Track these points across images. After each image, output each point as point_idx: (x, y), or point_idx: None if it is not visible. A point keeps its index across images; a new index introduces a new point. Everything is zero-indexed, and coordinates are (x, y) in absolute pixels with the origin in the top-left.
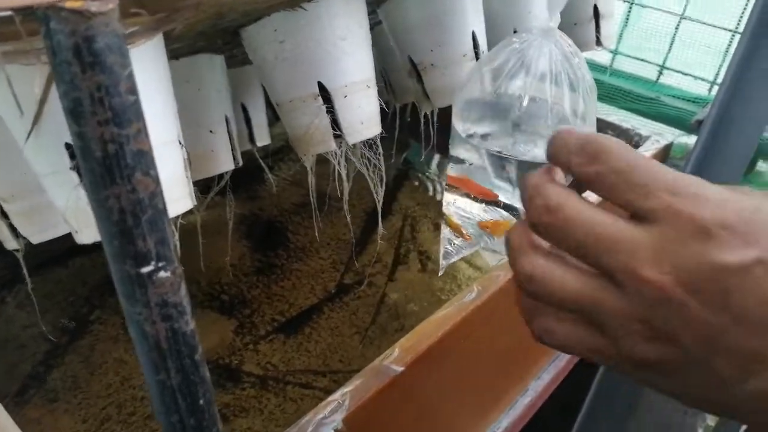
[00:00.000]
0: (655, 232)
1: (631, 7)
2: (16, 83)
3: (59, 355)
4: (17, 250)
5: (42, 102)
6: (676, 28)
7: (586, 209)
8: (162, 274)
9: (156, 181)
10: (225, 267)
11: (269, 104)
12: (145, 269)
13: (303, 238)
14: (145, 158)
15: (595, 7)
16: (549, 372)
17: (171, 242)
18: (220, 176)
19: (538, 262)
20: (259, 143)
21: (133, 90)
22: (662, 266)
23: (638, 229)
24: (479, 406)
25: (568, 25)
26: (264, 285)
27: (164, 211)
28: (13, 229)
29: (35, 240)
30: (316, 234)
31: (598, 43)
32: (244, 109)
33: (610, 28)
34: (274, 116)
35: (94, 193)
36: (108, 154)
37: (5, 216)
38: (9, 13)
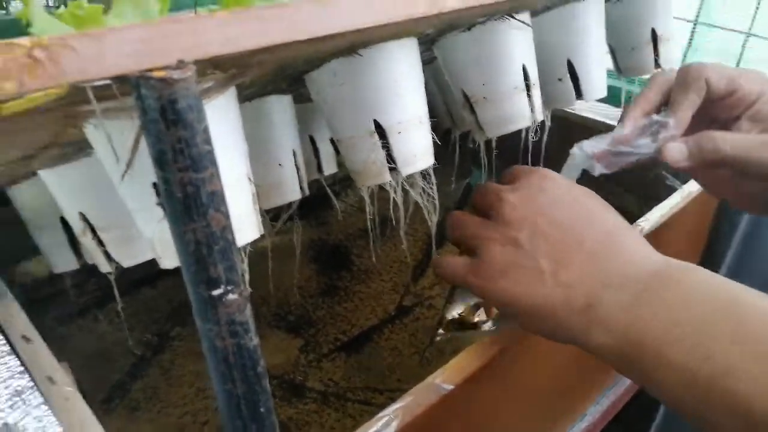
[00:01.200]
0: (516, 188)
1: (694, 28)
2: (113, 135)
3: (143, 367)
4: (110, 273)
5: (134, 151)
6: (743, 46)
7: (495, 186)
8: (230, 296)
9: (226, 216)
10: (293, 289)
11: None
12: (216, 292)
13: (366, 261)
14: (217, 198)
15: (653, 30)
16: (608, 398)
17: (239, 269)
18: (290, 204)
19: (458, 213)
20: (327, 172)
21: (207, 141)
22: (514, 197)
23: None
24: (533, 429)
25: (624, 49)
26: (328, 306)
27: (233, 241)
28: (107, 255)
29: (125, 264)
30: (374, 259)
31: (657, 66)
32: (312, 141)
33: (669, 52)
34: None
35: (175, 227)
36: (187, 195)
37: (101, 243)
38: (108, 81)
